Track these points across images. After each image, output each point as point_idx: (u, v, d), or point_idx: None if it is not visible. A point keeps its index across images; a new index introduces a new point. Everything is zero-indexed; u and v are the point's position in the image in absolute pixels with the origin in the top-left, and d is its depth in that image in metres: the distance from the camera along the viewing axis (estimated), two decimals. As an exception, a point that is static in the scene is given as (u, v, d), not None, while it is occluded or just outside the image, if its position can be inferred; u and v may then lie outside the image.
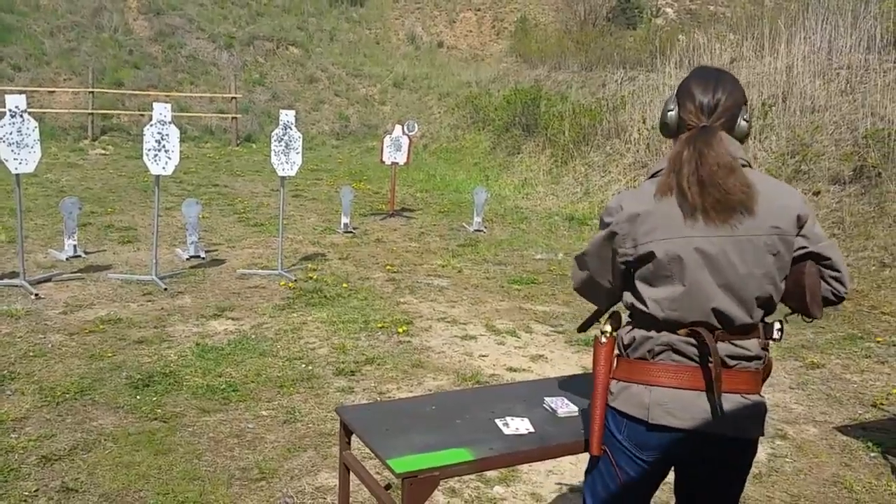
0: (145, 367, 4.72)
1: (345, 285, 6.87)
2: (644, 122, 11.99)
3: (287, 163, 6.94)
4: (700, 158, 1.86)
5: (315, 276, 7.10)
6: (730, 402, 1.91)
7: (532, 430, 2.28)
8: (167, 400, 4.29)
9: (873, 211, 7.74)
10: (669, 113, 2.01)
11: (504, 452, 2.15)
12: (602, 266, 2.03)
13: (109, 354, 4.89)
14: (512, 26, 23.87)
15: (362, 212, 10.67)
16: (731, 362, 1.92)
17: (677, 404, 1.91)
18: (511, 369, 5.08)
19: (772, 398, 4.78)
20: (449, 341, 5.58)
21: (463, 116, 17.67)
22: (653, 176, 1.99)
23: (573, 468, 3.70)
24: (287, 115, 6.96)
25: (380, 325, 5.80)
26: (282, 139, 6.89)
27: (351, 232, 9.26)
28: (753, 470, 3.82)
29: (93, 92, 15.70)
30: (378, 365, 5.01)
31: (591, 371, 2.26)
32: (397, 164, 10.58)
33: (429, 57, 22.70)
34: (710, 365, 1.89)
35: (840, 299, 2.05)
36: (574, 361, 5.26)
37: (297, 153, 6.96)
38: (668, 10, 23.57)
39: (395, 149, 10.45)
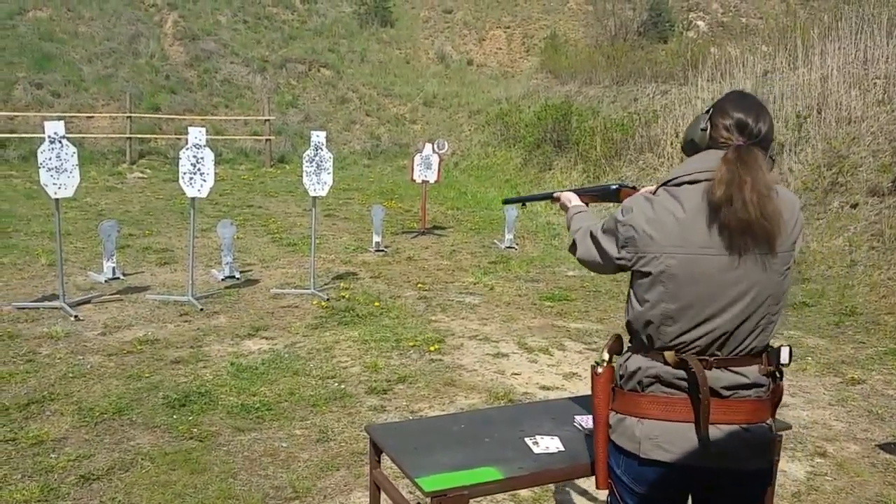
0: (182, 386, 4.79)
1: (377, 304, 6.90)
2: (677, 136, 11.90)
3: (318, 183, 7.02)
4: (752, 178, 1.78)
5: (347, 295, 7.15)
6: (725, 433, 1.84)
7: (562, 448, 2.27)
8: (203, 419, 4.34)
9: (914, 222, 7.57)
10: (701, 131, 1.93)
11: (533, 471, 2.14)
12: (605, 259, 2.01)
13: (147, 375, 4.97)
14: (541, 43, 23.91)
15: (394, 230, 10.72)
16: (727, 392, 1.85)
17: (668, 438, 1.85)
18: (544, 387, 5.05)
19: (810, 415, 4.69)
20: (481, 359, 5.57)
21: (493, 133, 17.70)
22: (666, 183, 1.92)
23: (607, 487, 3.66)
24: (318, 136, 7.04)
25: (412, 344, 5.81)
26: (313, 160, 6.98)
27: (382, 250, 9.30)
28: (792, 489, 3.75)
29: (130, 117, 16.04)
30: (410, 383, 5.02)
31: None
32: (428, 182, 10.65)
33: (458, 75, 22.83)
34: (700, 395, 1.82)
35: None
36: (607, 378, 5.20)
37: (329, 173, 7.04)
38: (700, 23, 23.44)
39: (425, 167, 10.52)
